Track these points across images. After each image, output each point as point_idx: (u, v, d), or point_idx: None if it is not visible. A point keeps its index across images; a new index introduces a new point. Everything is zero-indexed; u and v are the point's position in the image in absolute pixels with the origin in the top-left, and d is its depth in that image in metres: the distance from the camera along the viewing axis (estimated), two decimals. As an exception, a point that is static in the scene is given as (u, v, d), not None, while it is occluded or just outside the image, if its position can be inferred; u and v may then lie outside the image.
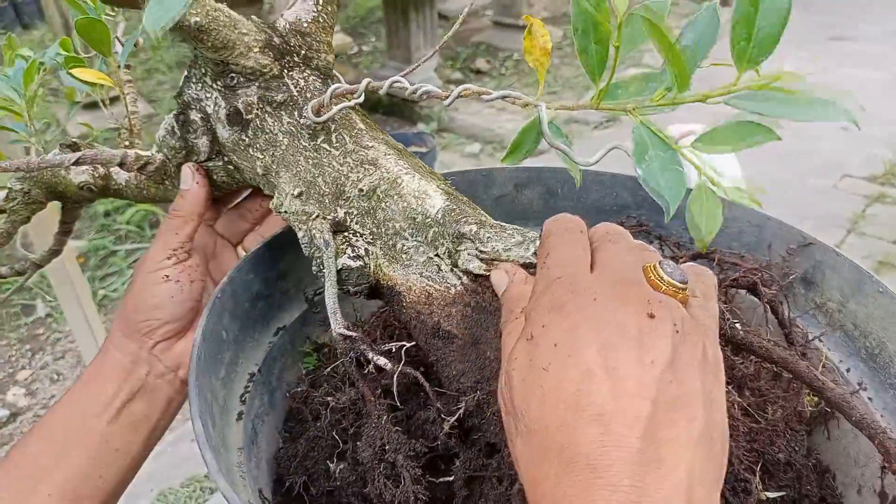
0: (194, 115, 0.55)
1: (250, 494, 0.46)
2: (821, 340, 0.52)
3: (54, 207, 0.69)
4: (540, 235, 0.43)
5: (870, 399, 0.50)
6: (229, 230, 0.64)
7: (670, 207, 0.31)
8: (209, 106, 0.54)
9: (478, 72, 3.63)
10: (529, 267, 0.43)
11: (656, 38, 0.31)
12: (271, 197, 0.53)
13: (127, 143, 0.66)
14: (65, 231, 0.74)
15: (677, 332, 0.33)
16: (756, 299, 0.53)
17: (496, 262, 0.44)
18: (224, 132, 0.54)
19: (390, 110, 3.34)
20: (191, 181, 0.56)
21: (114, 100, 0.67)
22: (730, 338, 0.45)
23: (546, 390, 0.32)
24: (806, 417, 0.53)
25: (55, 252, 0.76)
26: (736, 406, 0.46)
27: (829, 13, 4.04)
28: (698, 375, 0.32)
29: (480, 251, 0.44)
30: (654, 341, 0.32)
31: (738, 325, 0.46)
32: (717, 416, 0.32)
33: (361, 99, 0.53)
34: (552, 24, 4.06)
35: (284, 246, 0.59)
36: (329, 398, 0.53)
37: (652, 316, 0.32)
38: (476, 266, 0.44)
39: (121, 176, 0.64)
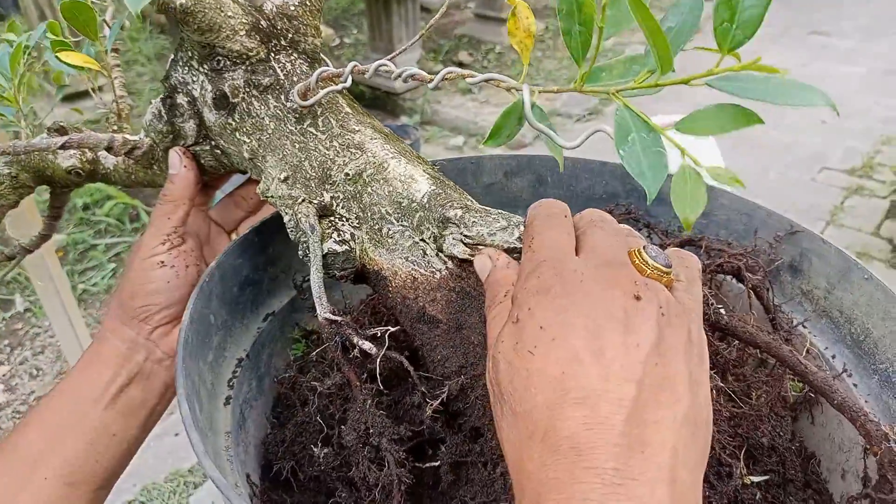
0: (181, 99, 0.55)
1: (237, 478, 0.46)
2: (805, 327, 0.52)
3: (31, 202, 0.69)
4: (525, 221, 0.43)
5: (855, 385, 0.51)
6: (224, 217, 0.64)
7: (652, 190, 0.30)
8: (196, 89, 0.54)
9: (460, 64, 3.62)
10: (514, 251, 0.43)
11: (641, 19, 0.31)
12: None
13: (115, 127, 0.66)
14: (54, 216, 0.74)
15: (662, 314, 0.33)
16: (743, 286, 0.53)
17: (480, 247, 0.44)
18: (211, 116, 0.54)
19: (373, 103, 3.33)
20: (179, 165, 0.56)
21: (101, 88, 0.66)
22: (714, 323, 0.45)
23: (531, 373, 0.32)
24: (790, 403, 0.54)
25: (45, 237, 0.75)
26: (719, 391, 0.46)
27: (807, 9, 4.10)
28: (683, 358, 0.32)
29: (465, 235, 0.44)
30: (640, 324, 0.32)
31: (722, 311, 0.46)
32: (701, 399, 0.32)
33: (348, 83, 0.52)
34: (534, 16, 4.05)
35: (273, 231, 0.59)
36: (316, 383, 0.53)
37: (638, 298, 0.33)
38: (460, 250, 0.44)
39: (108, 160, 0.64)
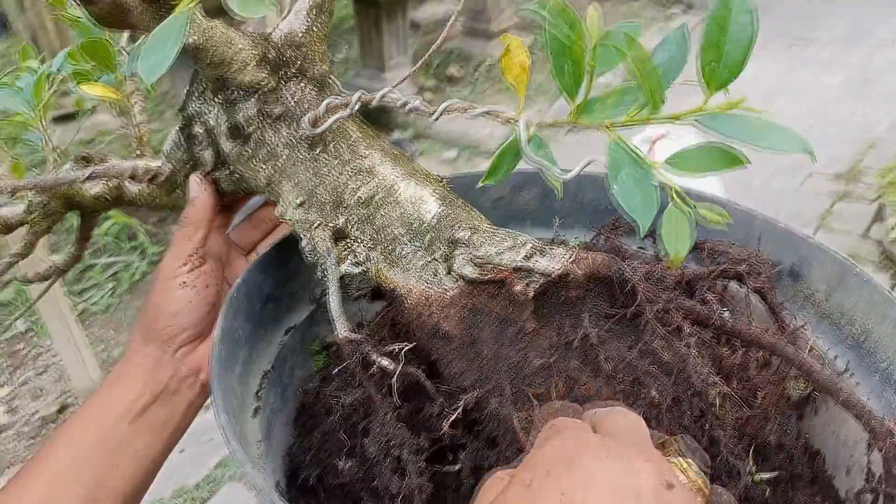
0: (198, 129, 0.58)
1: (271, 486, 0.49)
2: (806, 329, 0.54)
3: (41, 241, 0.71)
4: (537, 248, 0.45)
5: (857, 384, 0.52)
6: (242, 239, 0.67)
7: (644, 224, 0.32)
8: (211, 119, 0.56)
9: (450, 78, 3.61)
10: (520, 271, 0.45)
11: (633, 58, 0.32)
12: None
13: (137, 152, 0.69)
14: (84, 237, 0.77)
15: None
16: (746, 294, 0.55)
17: (489, 265, 0.46)
18: (227, 145, 0.56)
19: (366, 118, 3.32)
20: (198, 190, 0.59)
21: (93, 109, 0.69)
22: (719, 326, 0.47)
23: None
24: (794, 402, 0.55)
25: (77, 257, 0.79)
26: (725, 397, 0.48)
27: (786, 20, 4.13)
28: None
29: (474, 256, 0.47)
30: None
31: (726, 314, 0.48)
32: None
33: (355, 109, 0.55)
34: (522, 31, 4.02)
35: (291, 249, 0.61)
36: (340, 393, 0.55)
37: (670, 486, 0.30)
38: (470, 271, 0.47)
39: (133, 187, 0.66)
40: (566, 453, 0.32)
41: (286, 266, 0.61)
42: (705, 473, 0.34)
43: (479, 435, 0.50)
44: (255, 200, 0.67)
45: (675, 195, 0.32)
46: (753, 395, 0.52)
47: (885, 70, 3.60)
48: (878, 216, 2.41)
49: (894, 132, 3.03)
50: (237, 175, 0.59)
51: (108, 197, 0.67)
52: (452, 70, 3.69)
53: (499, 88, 3.58)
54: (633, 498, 0.29)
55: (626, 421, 0.35)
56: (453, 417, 0.46)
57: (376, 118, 3.38)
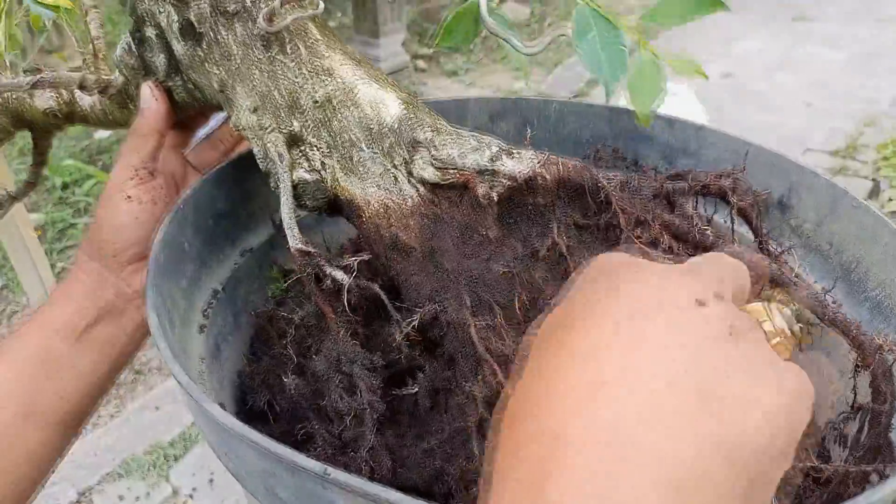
0: (149, 32, 0.54)
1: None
2: (790, 253, 0.50)
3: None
4: (504, 149, 0.42)
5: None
6: (200, 160, 0.63)
7: (610, 82, 0.29)
8: (163, 20, 0.52)
9: (447, 47, 3.57)
10: (485, 173, 0.42)
11: None
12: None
13: (92, 67, 0.65)
14: (39, 162, 0.73)
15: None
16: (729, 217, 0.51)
17: (451, 170, 0.43)
18: (179, 47, 0.52)
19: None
20: (150, 99, 0.55)
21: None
22: (698, 242, 0.44)
23: None
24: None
25: (30, 184, 0.75)
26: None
27: None
28: None
29: (435, 158, 0.43)
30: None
31: (707, 231, 0.45)
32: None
33: (320, 9, 0.51)
34: (520, 2, 3.96)
35: (251, 166, 0.57)
36: (293, 314, 0.52)
37: (701, 304, 0.25)
38: (430, 173, 0.43)
39: (85, 101, 0.62)
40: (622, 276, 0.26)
41: (244, 184, 0.58)
42: (809, 326, 0.30)
43: (440, 355, 0.46)
44: (217, 120, 0.64)
45: (644, 46, 0.28)
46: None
47: (890, 46, 3.54)
48: (874, 193, 2.38)
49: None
50: (192, 83, 0.55)
51: (58, 112, 0.62)
52: None
53: (494, 59, 3.53)
54: (652, 308, 0.24)
55: (717, 262, 0.29)
56: (407, 331, 0.42)
57: None
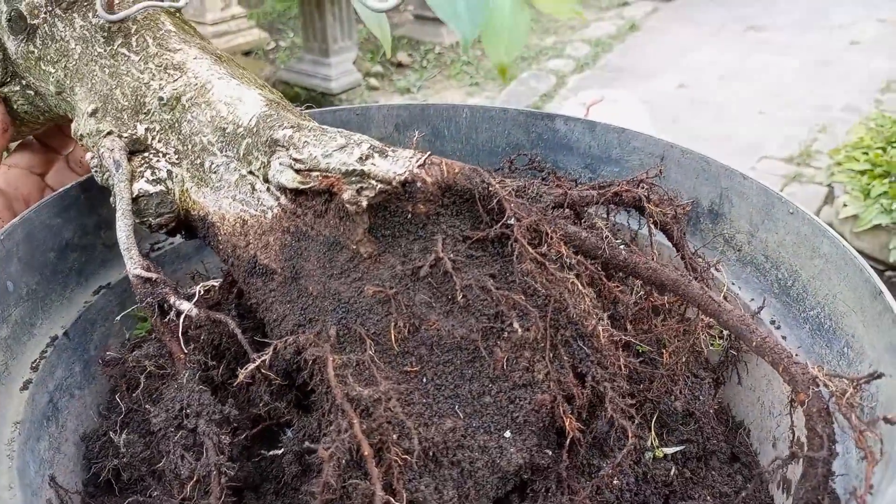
0: (-21, 29, 0.46)
1: (15, 479, 0.36)
2: (717, 270, 0.44)
3: None
4: (377, 148, 0.35)
5: (784, 338, 0.43)
6: (60, 183, 0.55)
7: (468, 32, 0.22)
8: (-8, 13, 0.45)
9: (399, 65, 3.55)
10: (352, 175, 0.35)
11: None
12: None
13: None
14: None
15: None
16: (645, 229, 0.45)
17: (314, 173, 0.35)
18: (12, 44, 0.45)
19: (311, 105, 3.25)
20: None
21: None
22: (609, 259, 0.37)
23: None
24: (711, 364, 0.46)
25: None
26: (618, 344, 0.37)
27: (744, 6, 4.27)
28: None
29: (295, 159, 0.36)
30: None
31: (620, 246, 0.38)
32: None
33: (181, 4, 0.44)
34: None
35: (108, 189, 0.49)
36: (145, 361, 0.43)
37: None
38: (289, 178, 0.36)
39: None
40: None
41: (98, 210, 0.49)
42: None
43: (315, 406, 0.38)
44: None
45: None
46: (659, 353, 0.42)
47: (840, 53, 3.62)
48: (829, 198, 2.38)
49: (847, 113, 3.00)
50: (31, 89, 0.47)
51: None
52: (401, 56, 3.62)
53: (448, 75, 3.52)
54: None
55: None
56: (251, 369, 0.34)
57: (319, 105, 3.25)
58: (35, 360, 0.43)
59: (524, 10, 0.22)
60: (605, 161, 0.54)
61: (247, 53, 3.51)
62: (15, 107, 0.48)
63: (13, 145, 0.53)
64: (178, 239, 0.56)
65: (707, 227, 0.49)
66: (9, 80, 0.47)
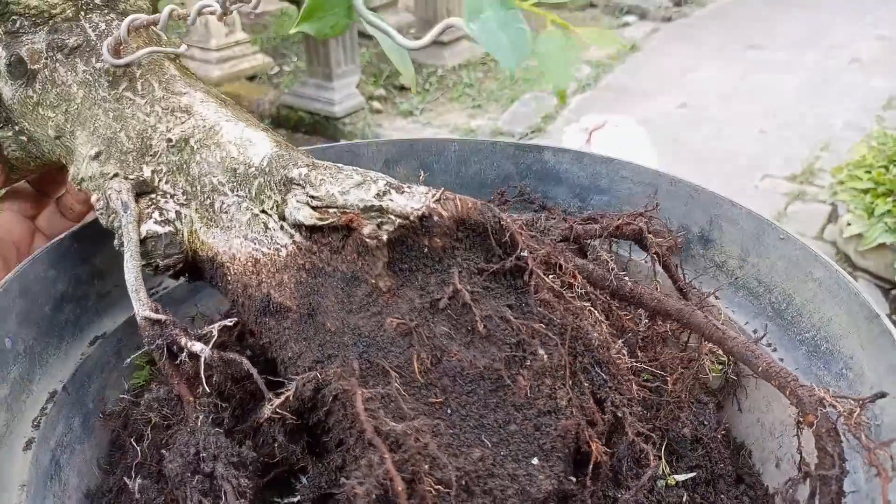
0: (-27, 74, 0.45)
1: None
2: (717, 297, 0.46)
3: None
4: (393, 185, 0.36)
5: (781, 360, 0.44)
6: (50, 228, 0.54)
7: (512, 63, 0.24)
8: (-12, 58, 0.44)
9: (401, 88, 3.59)
10: (370, 210, 0.35)
11: None
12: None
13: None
14: None
15: None
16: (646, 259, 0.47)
17: (331, 209, 0.36)
18: (8, 90, 0.44)
19: (313, 129, 3.25)
20: None
21: None
22: (616, 290, 0.38)
23: None
24: (713, 389, 0.47)
25: None
26: (629, 371, 0.38)
27: (742, 26, 4.36)
28: None
29: (312, 197, 0.36)
30: None
31: (626, 278, 0.40)
32: None
33: (182, 50, 0.45)
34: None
35: (100, 238, 0.48)
36: (149, 411, 0.42)
37: None
38: (307, 215, 0.36)
39: None
40: None
41: (91, 260, 0.49)
42: None
43: (328, 449, 0.38)
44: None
45: (552, 21, 0.24)
46: (663, 381, 0.43)
47: (839, 71, 3.68)
48: (832, 217, 2.40)
49: (849, 131, 3.03)
50: (24, 135, 0.46)
51: None
52: (404, 79, 3.65)
53: (450, 97, 3.55)
54: None
55: None
56: (274, 408, 0.34)
57: (324, 129, 3.23)
58: (36, 418, 0.42)
59: (569, 41, 0.24)
60: (594, 190, 0.56)
61: (251, 78, 3.52)
62: (6, 153, 0.47)
63: (1, 191, 0.52)
64: (171, 283, 0.55)
65: (698, 252, 0.51)
66: (2, 125, 0.46)
